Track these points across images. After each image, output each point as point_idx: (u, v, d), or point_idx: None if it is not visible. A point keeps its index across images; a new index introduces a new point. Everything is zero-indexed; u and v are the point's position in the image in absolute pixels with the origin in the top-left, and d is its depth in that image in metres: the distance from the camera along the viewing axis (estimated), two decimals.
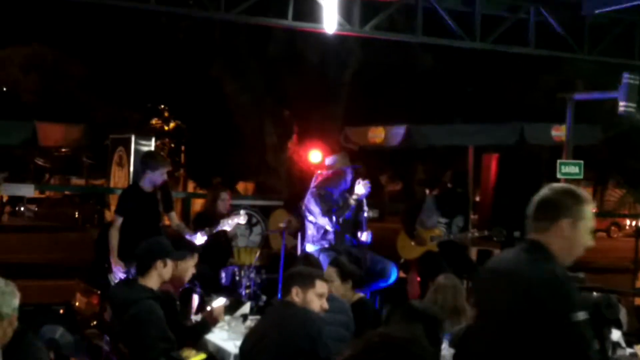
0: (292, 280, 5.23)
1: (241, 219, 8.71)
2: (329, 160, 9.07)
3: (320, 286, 5.24)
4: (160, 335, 5.63)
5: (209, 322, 6.34)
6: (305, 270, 5.53)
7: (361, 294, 6.59)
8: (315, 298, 5.17)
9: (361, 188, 8.47)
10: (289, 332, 4.95)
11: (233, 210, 9.25)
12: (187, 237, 8.28)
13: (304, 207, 8.86)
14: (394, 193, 37.17)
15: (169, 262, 5.94)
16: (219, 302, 6.42)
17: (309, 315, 5.07)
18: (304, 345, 4.88)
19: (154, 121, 32.37)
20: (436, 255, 9.58)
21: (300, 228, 9.61)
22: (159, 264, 5.87)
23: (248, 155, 16.61)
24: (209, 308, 6.46)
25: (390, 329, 2.66)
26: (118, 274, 8.06)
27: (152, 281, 5.87)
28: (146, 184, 8.42)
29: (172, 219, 8.71)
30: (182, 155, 32.76)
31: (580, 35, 10.94)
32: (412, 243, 9.83)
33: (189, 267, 6.53)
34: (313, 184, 8.94)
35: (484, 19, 10.39)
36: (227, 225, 8.62)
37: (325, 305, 5.23)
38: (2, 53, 28.76)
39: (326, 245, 8.50)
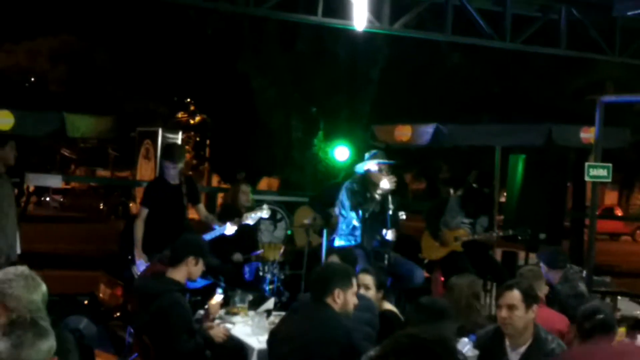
0: (332, 281, 5.09)
1: (264, 213, 8.69)
2: (366, 156, 8.93)
3: (355, 284, 5.22)
4: (185, 327, 5.67)
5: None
6: (341, 269, 5.39)
7: (390, 306, 6.55)
8: (352, 297, 5.14)
9: (386, 183, 8.38)
10: (328, 341, 4.89)
11: (257, 205, 9.25)
12: (216, 227, 8.29)
13: (338, 201, 8.78)
14: (418, 192, 37.08)
15: (201, 263, 6.00)
16: (216, 299, 6.44)
17: (345, 325, 5.02)
18: (343, 354, 4.86)
19: (180, 114, 32.48)
20: (460, 256, 9.52)
21: (325, 225, 9.59)
22: (191, 260, 5.96)
23: (273, 150, 16.59)
24: (206, 306, 6.48)
25: (419, 330, 2.63)
26: (141, 267, 8.08)
27: (180, 274, 5.94)
28: (168, 176, 8.44)
29: (200, 211, 8.72)
30: (207, 149, 32.81)
31: (612, 37, 10.82)
32: (436, 243, 9.77)
33: None
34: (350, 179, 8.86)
35: (514, 18, 10.30)
36: (250, 219, 8.60)
37: (356, 300, 5.23)
38: (31, 44, 28.95)
39: (353, 242, 8.42)
